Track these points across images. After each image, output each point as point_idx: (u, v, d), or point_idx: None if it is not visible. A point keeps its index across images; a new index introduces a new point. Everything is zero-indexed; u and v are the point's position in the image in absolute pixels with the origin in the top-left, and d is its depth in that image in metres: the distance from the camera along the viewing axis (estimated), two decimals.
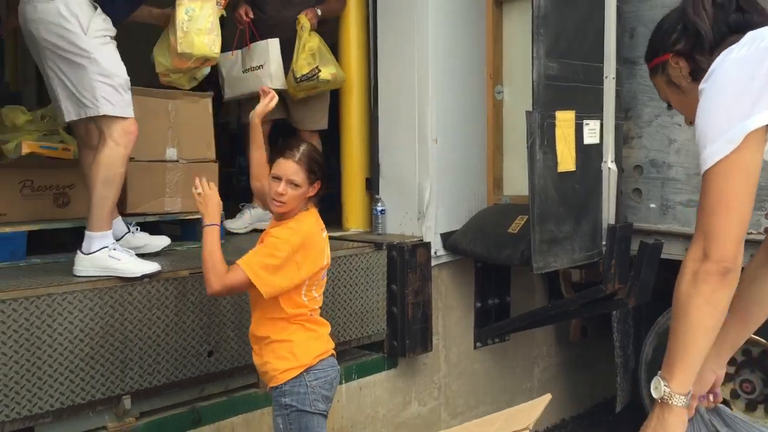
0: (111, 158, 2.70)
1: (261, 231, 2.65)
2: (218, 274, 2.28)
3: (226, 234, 3.55)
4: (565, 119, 3.24)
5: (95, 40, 2.66)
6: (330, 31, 4.02)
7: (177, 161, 3.50)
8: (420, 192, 3.69)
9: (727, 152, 1.40)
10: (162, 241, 3.21)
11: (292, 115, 4.03)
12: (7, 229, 2.94)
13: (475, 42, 3.82)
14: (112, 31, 2.75)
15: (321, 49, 3.78)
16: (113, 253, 2.69)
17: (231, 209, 3.87)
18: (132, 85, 2.79)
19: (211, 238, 2.32)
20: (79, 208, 3.20)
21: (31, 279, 2.63)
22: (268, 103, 2.61)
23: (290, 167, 2.32)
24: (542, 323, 4.05)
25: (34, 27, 2.66)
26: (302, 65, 3.72)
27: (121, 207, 3.16)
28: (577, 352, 4.56)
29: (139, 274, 2.68)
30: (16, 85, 6.13)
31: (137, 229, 3.14)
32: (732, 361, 3.56)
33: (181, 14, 2.91)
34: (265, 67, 3.79)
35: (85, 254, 2.70)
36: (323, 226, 2.49)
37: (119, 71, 2.72)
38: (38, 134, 3.22)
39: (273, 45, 3.79)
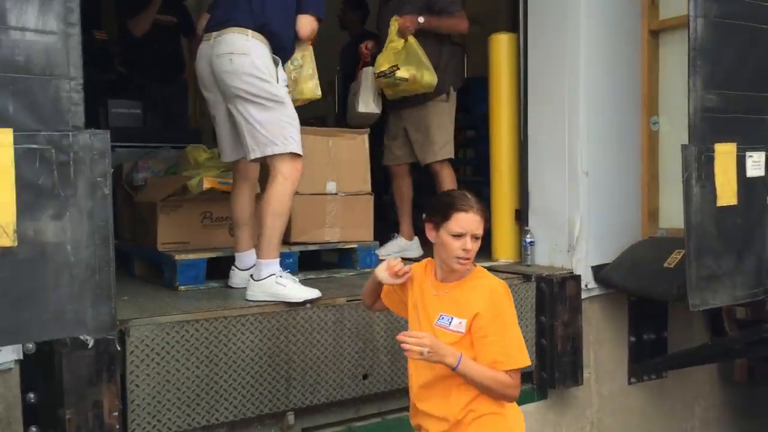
0: (281, 193, 2.97)
1: (406, 259, 2.61)
2: (503, 384, 2.13)
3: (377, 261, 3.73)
4: (725, 151, 3.13)
5: (284, 88, 3.03)
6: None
7: (336, 194, 3.76)
8: (570, 224, 3.69)
9: None
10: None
11: (417, 154, 4.13)
12: (191, 256, 3.30)
13: (628, 72, 3.78)
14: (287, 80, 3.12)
15: (409, 51, 3.87)
16: (280, 280, 2.96)
17: (382, 236, 4.07)
18: None
19: (469, 367, 2.11)
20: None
21: (210, 302, 2.94)
22: (395, 279, 2.34)
23: (473, 221, 2.17)
24: (703, 361, 3.89)
25: (228, 77, 2.99)
26: (381, 62, 3.90)
27: (286, 236, 3.43)
28: (743, 393, 4.31)
29: (302, 299, 2.92)
30: (195, 121, 6.79)
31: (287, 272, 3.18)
32: None
33: (288, 65, 3.19)
34: (359, 92, 4.06)
35: (256, 280, 2.98)
36: None
37: (297, 116, 3.05)
38: (217, 171, 3.58)
39: (365, 72, 4.06)
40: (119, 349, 2.40)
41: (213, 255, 3.38)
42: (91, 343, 2.23)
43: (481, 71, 4.05)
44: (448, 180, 4.04)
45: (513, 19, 6.64)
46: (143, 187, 3.89)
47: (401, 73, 3.85)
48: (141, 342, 2.54)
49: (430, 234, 2.25)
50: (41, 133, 1.89)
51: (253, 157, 3.03)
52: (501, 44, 4.01)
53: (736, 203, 3.17)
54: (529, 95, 3.88)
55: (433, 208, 2.26)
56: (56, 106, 1.92)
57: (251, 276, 3.03)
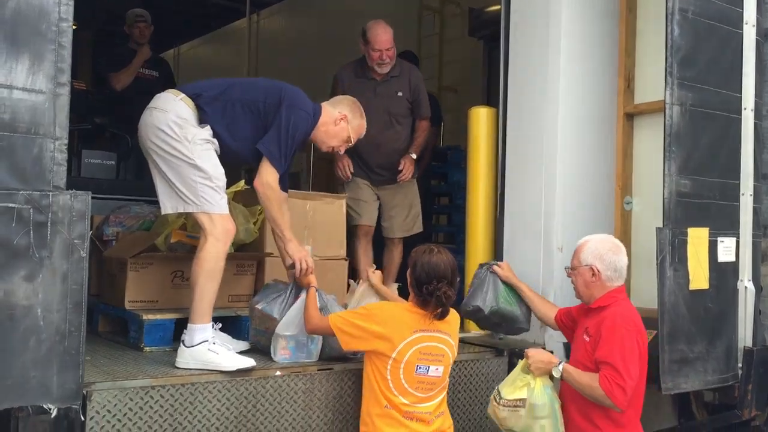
0: (213, 254, 2.92)
1: None
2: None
3: None
4: (698, 236, 3.20)
5: (198, 146, 2.95)
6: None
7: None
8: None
9: None
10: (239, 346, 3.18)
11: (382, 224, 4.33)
12: (159, 316, 3.22)
13: (604, 154, 3.85)
14: (215, 143, 3.04)
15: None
16: (212, 347, 2.85)
17: None
18: None
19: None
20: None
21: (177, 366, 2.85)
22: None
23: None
24: None
25: (144, 129, 3.00)
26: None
27: None
28: None
29: (234, 368, 2.79)
30: None
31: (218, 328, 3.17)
32: None
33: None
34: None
35: (187, 347, 2.86)
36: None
37: (219, 176, 2.99)
38: (189, 224, 3.53)
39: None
40: (82, 419, 2.30)
41: (182, 316, 3.29)
42: (54, 413, 2.13)
43: (456, 140, 4.12)
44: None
45: (488, 91, 6.85)
46: (113, 241, 3.81)
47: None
48: (103, 407, 2.44)
49: None
50: (21, 192, 1.84)
51: (164, 212, 3.03)
52: (480, 117, 4.08)
53: (707, 287, 3.22)
54: (507, 170, 3.93)
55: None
56: (39, 166, 1.88)
57: (183, 341, 2.90)
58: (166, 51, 10.20)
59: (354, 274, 3.93)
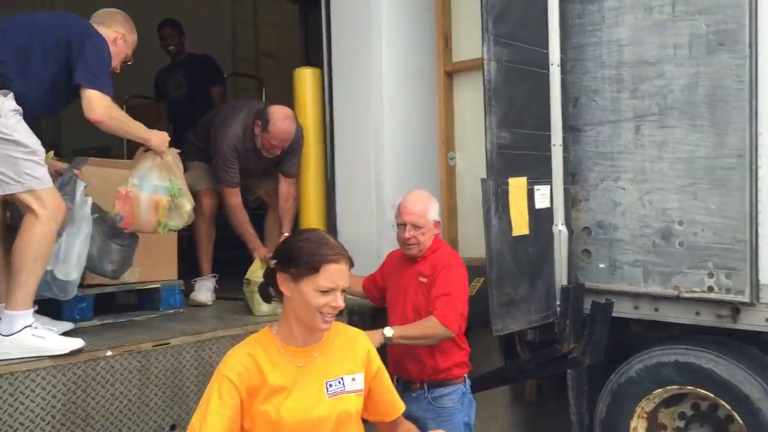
0: (43, 234, 2.64)
1: None
2: None
3: None
4: (517, 185, 3.39)
5: (12, 119, 2.63)
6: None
7: None
8: (379, 255, 3.74)
9: None
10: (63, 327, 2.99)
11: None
12: None
13: (428, 112, 3.97)
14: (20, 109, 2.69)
15: None
16: (36, 332, 2.61)
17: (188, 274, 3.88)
18: None
19: None
20: None
21: None
22: None
23: (344, 273, 1.95)
24: (498, 384, 4.11)
25: None
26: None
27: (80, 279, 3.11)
28: (534, 411, 4.62)
29: (66, 351, 2.59)
30: None
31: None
32: (682, 415, 3.69)
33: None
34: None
35: (6, 335, 2.58)
36: None
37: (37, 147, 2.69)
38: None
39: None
40: None
41: None
42: None
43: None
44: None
45: (307, 53, 6.81)
46: None
47: None
48: None
49: (285, 286, 1.93)
50: None
51: None
52: (306, 79, 4.03)
53: (528, 233, 3.43)
54: (336, 130, 3.94)
55: (288, 255, 1.94)
56: None
57: None
58: None
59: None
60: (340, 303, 1.89)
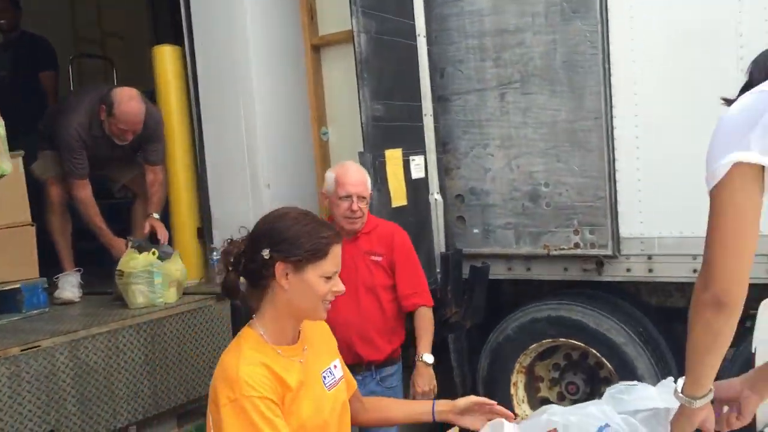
0: None
1: None
2: None
3: None
4: (394, 157, 3.42)
5: None
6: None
7: None
8: None
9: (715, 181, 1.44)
10: None
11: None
12: None
13: (298, 87, 3.90)
14: None
15: None
16: None
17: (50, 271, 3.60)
18: None
19: None
20: None
21: None
22: None
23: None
24: None
25: None
26: None
27: None
28: None
29: None
30: None
31: None
32: (556, 366, 3.91)
33: None
34: None
35: None
36: None
37: None
38: None
39: None
40: None
41: None
42: None
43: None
44: None
45: (156, 33, 6.50)
46: None
47: None
48: None
49: (284, 278, 1.68)
50: None
51: None
52: (166, 57, 3.84)
53: (406, 204, 3.48)
54: (203, 111, 3.79)
55: (287, 242, 1.68)
56: None
57: None
58: None
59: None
60: (341, 286, 1.74)
